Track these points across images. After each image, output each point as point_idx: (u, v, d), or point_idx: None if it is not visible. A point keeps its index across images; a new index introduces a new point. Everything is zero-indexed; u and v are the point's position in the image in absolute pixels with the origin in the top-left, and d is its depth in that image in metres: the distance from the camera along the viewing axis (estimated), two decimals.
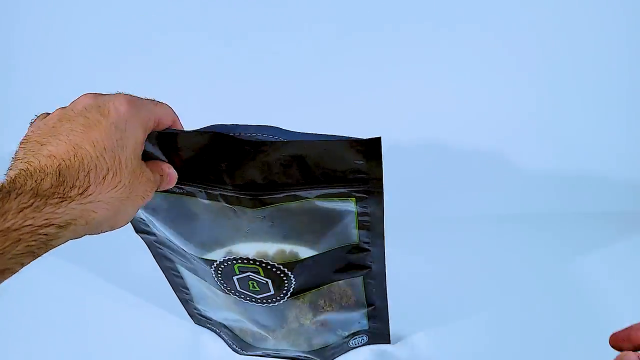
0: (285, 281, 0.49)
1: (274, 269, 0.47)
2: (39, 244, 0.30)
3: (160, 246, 0.53)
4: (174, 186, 0.42)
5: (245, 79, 0.84)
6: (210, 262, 0.48)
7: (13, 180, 0.31)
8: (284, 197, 0.43)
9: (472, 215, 0.85)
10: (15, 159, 0.35)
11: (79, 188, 0.33)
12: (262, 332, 0.57)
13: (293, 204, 0.43)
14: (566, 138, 0.87)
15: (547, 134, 0.88)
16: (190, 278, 0.56)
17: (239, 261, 0.47)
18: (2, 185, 0.31)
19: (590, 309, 0.69)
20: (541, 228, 0.84)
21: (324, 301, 0.54)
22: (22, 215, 0.30)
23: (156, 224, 0.49)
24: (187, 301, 0.61)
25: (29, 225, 0.30)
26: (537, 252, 0.80)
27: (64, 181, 0.32)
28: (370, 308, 0.56)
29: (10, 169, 0.34)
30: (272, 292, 0.50)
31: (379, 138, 0.38)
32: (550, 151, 0.88)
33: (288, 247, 0.47)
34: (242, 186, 0.42)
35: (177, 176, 0.42)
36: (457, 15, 0.80)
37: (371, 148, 0.39)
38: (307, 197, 0.43)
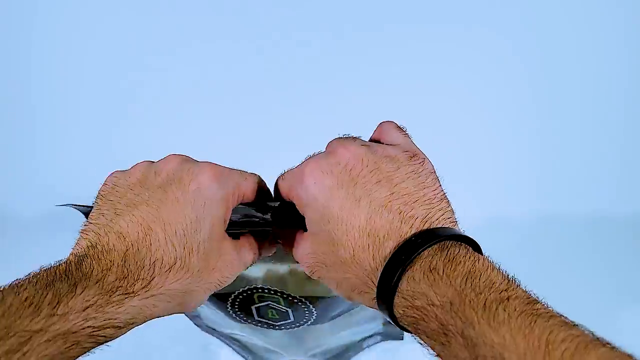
0: (307, 312, 0.46)
1: (296, 300, 0.45)
2: (94, 345, 0.29)
3: None
4: None
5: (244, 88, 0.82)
6: (226, 296, 0.46)
7: (80, 262, 0.30)
8: None
9: (474, 216, 0.86)
10: (90, 223, 0.33)
11: (142, 280, 0.31)
12: (278, 350, 0.55)
13: None
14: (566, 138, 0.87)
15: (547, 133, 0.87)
16: (200, 308, 0.54)
17: (259, 291, 0.45)
18: (68, 268, 0.29)
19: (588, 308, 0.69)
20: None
21: (345, 321, 0.52)
22: (84, 315, 0.28)
23: None
24: (193, 316, 0.59)
25: (90, 327, 0.28)
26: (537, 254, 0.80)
27: (129, 273, 0.30)
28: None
29: (82, 238, 0.32)
30: (292, 319, 0.48)
31: None
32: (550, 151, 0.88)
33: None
34: None
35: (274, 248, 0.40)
36: (456, 16, 0.80)
37: None
38: None
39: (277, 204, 0.37)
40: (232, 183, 0.35)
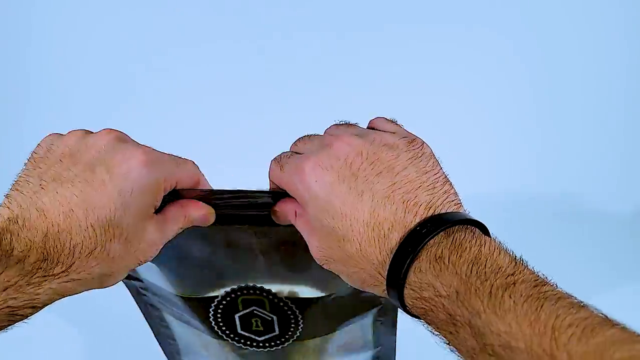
0: (292, 320, 0.44)
1: (281, 303, 0.43)
2: (11, 323, 0.29)
3: (146, 293, 0.48)
4: None
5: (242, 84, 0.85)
6: (209, 301, 0.44)
7: (0, 239, 0.30)
8: None
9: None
10: (15, 190, 0.32)
11: (62, 264, 0.31)
12: None
13: None
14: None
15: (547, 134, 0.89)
16: (178, 328, 0.51)
17: (244, 292, 0.43)
18: None
19: None
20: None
21: (332, 347, 0.49)
22: (4, 296, 0.28)
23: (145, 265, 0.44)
24: (172, 354, 0.55)
25: (8, 307, 0.28)
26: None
27: (49, 255, 0.30)
28: (377, 349, 0.52)
29: (4, 205, 0.32)
30: (277, 332, 0.45)
31: None
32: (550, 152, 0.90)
33: (293, 287, 0.43)
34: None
35: (211, 214, 0.38)
36: (455, 16, 0.84)
37: None
38: None
39: (268, 192, 0.37)
40: (164, 170, 0.34)
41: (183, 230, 0.38)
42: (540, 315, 0.24)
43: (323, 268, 0.40)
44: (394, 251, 0.30)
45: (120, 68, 0.86)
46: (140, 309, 0.51)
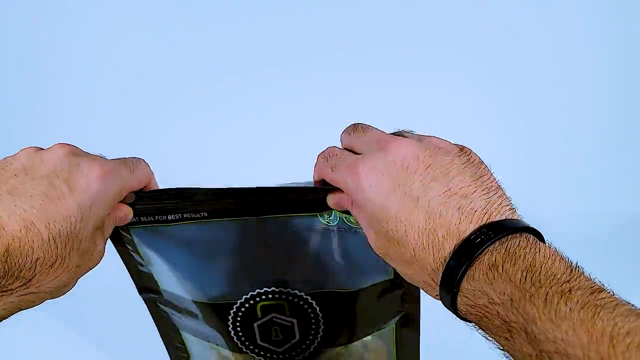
0: (313, 319, 0.44)
1: (301, 302, 0.43)
2: None
3: (165, 307, 0.48)
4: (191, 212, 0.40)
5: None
6: (228, 307, 0.44)
7: None
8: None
9: None
10: None
11: (22, 280, 0.31)
12: None
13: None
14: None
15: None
16: (196, 348, 0.50)
17: (263, 297, 0.43)
18: None
19: None
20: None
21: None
22: None
23: (166, 270, 0.44)
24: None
25: None
26: None
27: (9, 271, 0.31)
28: None
29: None
30: (297, 337, 0.45)
31: None
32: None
33: (312, 282, 0.44)
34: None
35: (129, 213, 0.38)
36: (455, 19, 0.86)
37: None
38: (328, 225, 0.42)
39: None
40: (121, 180, 0.36)
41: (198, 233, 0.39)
42: (597, 323, 0.24)
43: (342, 261, 0.41)
44: (447, 260, 0.30)
45: (119, 66, 0.89)
46: (159, 329, 0.50)
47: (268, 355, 0.46)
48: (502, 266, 0.28)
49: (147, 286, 0.47)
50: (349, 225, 0.43)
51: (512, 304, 0.27)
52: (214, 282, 0.44)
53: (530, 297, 0.26)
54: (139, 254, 0.44)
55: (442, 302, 0.31)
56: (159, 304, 0.48)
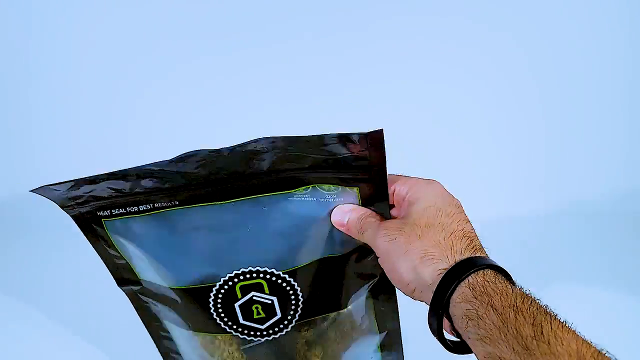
0: (292, 296, 0.45)
1: (279, 280, 0.44)
2: None
3: (145, 298, 0.48)
4: (165, 200, 0.41)
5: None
6: (208, 290, 0.44)
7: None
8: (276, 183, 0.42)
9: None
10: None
11: None
12: None
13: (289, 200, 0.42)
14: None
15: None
16: (181, 336, 0.50)
17: (242, 278, 0.44)
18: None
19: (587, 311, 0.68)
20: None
21: (335, 333, 0.50)
22: None
23: (142, 260, 0.45)
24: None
25: None
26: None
27: None
28: (382, 334, 0.52)
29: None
30: (279, 315, 0.46)
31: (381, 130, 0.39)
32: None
33: (286, 258, 0.44)
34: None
35: None
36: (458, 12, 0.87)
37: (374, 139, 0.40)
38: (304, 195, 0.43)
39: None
40: None
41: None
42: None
43: (318, 231, 0.43)
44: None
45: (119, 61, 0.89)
46: (143, 321, 0.51)
47: (252, 333, 0.47)
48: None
49: (125, 277, 0.47)
50: (323, 193, 0.43)
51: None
52: (191, 268, 0.44)
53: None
54: (114, 246, 0.45)
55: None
56: (139, 295, 0.48)
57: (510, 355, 0.31)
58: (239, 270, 0.44)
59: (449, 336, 0.38)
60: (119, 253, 0.45)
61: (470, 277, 0.35)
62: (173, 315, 0.49)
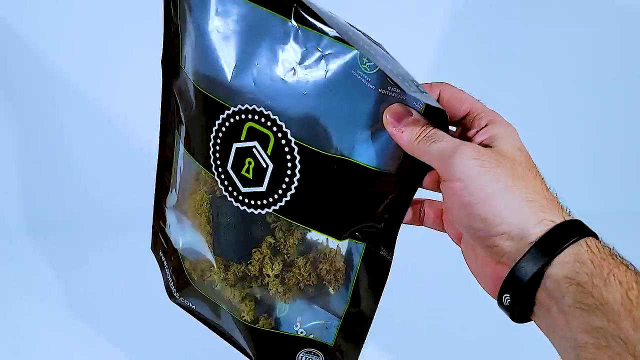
0: (288, 177, 0.37)
1: (287, 148, 0.37)
2: None
3: (175, 87, 0.44)
4: None
5: None
6: (219, 110, 0.38)
7: None
8: None
9: None
10: None
11: None
12: (215, 263, 0.44)
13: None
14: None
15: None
16: (182, 158, 0.46)
17: (255, 118, 0.37)
18: None
19: None
20: None
21: (304, 264, 0.41)
22: None
23: (190, 44, 0.40)
24: (160, 202, 0.50)
25: None
26: None
27: None
28: (350, 309, 0.42)
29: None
30: (263, 187, 0.38)
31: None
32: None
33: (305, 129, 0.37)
34: None
35: None
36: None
37: None
38: None
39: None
40: None
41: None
42: None
43: (348, 120, 0.34)
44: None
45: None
46: (163, 121, 0.47)
47: (230, 188, 0.40)
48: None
49: (172, 56, 0.43)
50: (387, 81, 0.35)
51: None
52: (221, 72, 0.38)
53: None
54: (177, 18, 0.41)
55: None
56: (173, 80, 0.44)
57: (635, 335, 0.27)
58: (259, 107, 0.37)
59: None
60: (180, 29, 0.41)
61: (587, 239, 0.30)
62: (183, 128, 0.44)
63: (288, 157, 0.37)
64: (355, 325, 0.42)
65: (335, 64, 0.35)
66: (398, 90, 0.35)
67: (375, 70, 0.35)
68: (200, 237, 0.45)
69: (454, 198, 0.33)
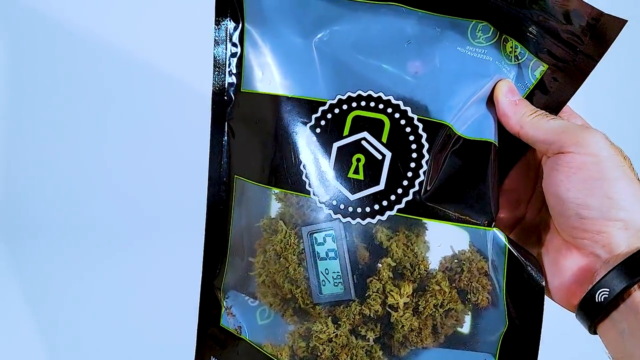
0: (413, 159, 0.31)
1: (408, 128, 0.31)
2: None
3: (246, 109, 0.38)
4: None
5: None
6: (312, 108, 0.33)
7: None
8: None
9: None
10: None
11: None
12: (317, 320, 0.33)
13: None
14: None
15: None
16: (244, 203, 0.37)
17: (362, 104, 0.32)
18: None
19: None
20: None
21: (444, 275, 0.32)
22: None
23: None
24: (210, 288, 0.39)
25: None
26: None
27: None
28: (509, 327, 0.32)
29: None
30: (382, 186, 0.31)
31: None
32: None
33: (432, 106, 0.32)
34: None
35: None
36: None
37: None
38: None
39: None
40: None
41: None
42: None
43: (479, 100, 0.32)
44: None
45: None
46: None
47: (334, 202, 0.32)
48: None
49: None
50: (499, 55, 0.32)
51: None
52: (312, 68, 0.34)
53: None
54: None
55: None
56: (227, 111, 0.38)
57: None
58: (364, 91, 0.32)
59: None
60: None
61: None
62: (255, 162, 0.36)
63: (411, 137, 0.31)
64: (519, 345, 0.32)
65: (445, 40, 0.33)
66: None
67: (490, 42, 0.33)
68: (279, 303, 0.35)
69: (575, 172, 0.31)
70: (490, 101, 0.33)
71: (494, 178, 0.33)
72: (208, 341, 0.40)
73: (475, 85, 0.32)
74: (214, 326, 0.39)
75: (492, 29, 0.32)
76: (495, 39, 0.32)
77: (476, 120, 0.33)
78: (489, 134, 0.33)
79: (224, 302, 0.39)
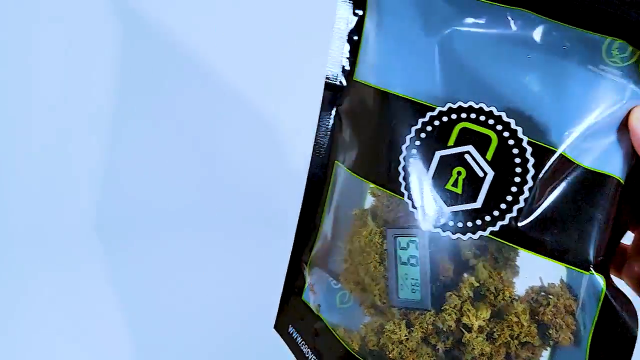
0: (515, 183, 0.30)
1: (515, 150, 0.29)
2: None
3: (353, 99, 0.38)
4: None
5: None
6: (421, 112, 0.32)
7: None
8: None
9: None
10: None
11: None
12: (391, 320, 0.33)
13: None
14: None
15: None
16: (341, 193, 0.38)
17: (471, 117, 0.30)
18: None
19: None
20: None
21: (526, 308, 0.31)
22: None
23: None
24: (297, 262, 0.41)
25: None
26: None
27: None
28: None
29: None
30: (478, 204, 0.30)
31: None
32: None
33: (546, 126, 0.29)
34: None
35: None
36: None
37: None
38: None
39: None
40: None
41: None
42: None
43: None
44: None
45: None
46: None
47: (426, 210, 0.32)
48: None
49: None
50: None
51: None
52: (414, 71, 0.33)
53: None
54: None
55: None
56: (337, 98, 0.38)
57: None
58: (476, 103, 0.31)
59: None
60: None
61: None
62: (352, 152, 0.37)
63: (517, 160, 0.30)
64: None
65: (574, 56, 0.30)
66: None
67: (627, 62, 0.29)
68: (360, 292, 0.36)
69: None
70: (621, 130, 0.30)
71: (610, 220, 0.30)
72: (289, 309, 0.42)
73: (605, 110, 0.30)
74: (296, 296, 0.41)
75: (631, 48, 0.29)
76: (633, 60, 0.29)
77: (600, 150, 0.30)
78: (614, 169, 0.30)
79: (308, 278, 0.40)
